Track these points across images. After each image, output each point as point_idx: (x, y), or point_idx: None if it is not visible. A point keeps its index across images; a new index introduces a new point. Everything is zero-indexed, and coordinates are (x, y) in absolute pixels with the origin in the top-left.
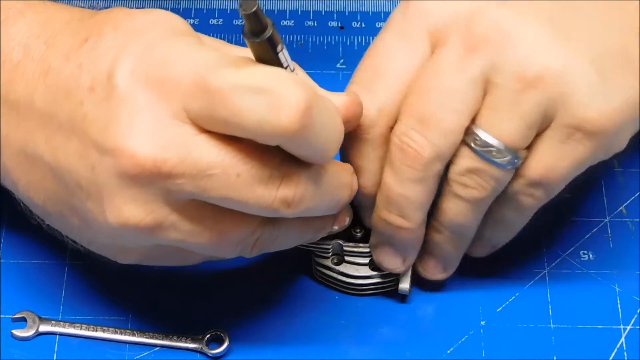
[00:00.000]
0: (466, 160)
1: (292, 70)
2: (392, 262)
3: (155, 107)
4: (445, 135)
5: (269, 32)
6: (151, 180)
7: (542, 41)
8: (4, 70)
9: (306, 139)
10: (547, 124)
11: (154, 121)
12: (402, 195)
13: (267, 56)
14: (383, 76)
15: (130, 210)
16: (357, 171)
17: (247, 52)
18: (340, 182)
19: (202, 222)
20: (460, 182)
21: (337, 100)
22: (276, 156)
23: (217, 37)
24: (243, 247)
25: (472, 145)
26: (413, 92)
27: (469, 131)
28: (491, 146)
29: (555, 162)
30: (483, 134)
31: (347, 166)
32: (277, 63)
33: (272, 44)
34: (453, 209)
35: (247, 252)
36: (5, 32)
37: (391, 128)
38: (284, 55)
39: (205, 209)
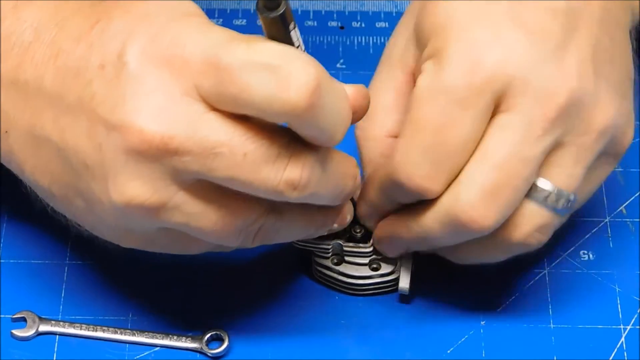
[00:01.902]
0: (534, 218)
1: (303, 50)
2: (395, 253)
3: (165, 84)
4: (514, 206)
5: (282, 8)
6: (158, 156)
7: (607, 98)
8: (14, 53)
9: (314, 118)
10: None
11: (163, 98)
12: (442, 243)
13: (279, 33)
14: (450, 152)
15: (135, 188)
16: (372, 207)
17: None
18: (346, 171)
19: (207, 206)
20: (525, 243)
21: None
22: (284, 137)
23: None
24: (246, 235)
25: (541, 200)
26: (481, 161)
27: (535, 188)
28: (563, 197)
29: (588, 192)
30: (552, 187)
31: (352, 158)
32: (288, 41)
33: (284, 21)
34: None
35: (249, 242)
36: (16, 16)
37: None
38: (295, 34)
39: (210, 192)
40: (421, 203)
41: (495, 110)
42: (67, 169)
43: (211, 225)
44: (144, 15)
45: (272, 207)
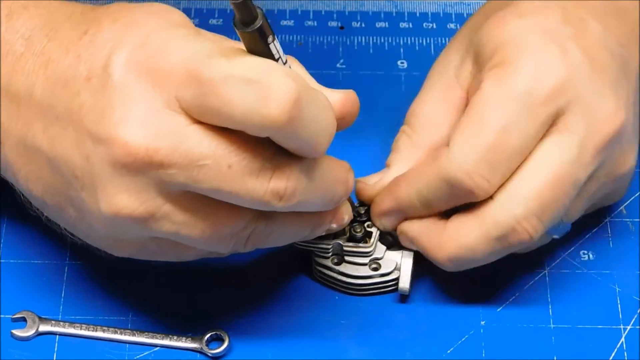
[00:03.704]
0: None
1: (285, 62)
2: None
3: (148, 96)
4: (557, 221)
5: (259, 23)
6: (143, 169)
7: (635, 149)
8: (6, 63)
9: (295, 131)
10: None
11: (147, 110)
12: (480, 261)
13: (258, 47)
14: (509, 155)
15: (123, 199)
16: (400, 209)
17: None
18: (335, 177)
19: (196, 214)
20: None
21: (333, 97)
22: (268, 149)
23: None
24: (237, 241)
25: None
26: (534, 174)
27: None
28: (563, 226)
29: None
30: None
31: (344, 162)
32: (268, 54)
33: (262, 34)
34: None
35: (241, 247)
36: (9, 26)
37: None
38: (275, 46)
39: (198, 201)
40: (459, 213)
41: (551, 126)
42: (58, 178)
43: (200, 233)
44: (132, 23)
45: (262, 212)
